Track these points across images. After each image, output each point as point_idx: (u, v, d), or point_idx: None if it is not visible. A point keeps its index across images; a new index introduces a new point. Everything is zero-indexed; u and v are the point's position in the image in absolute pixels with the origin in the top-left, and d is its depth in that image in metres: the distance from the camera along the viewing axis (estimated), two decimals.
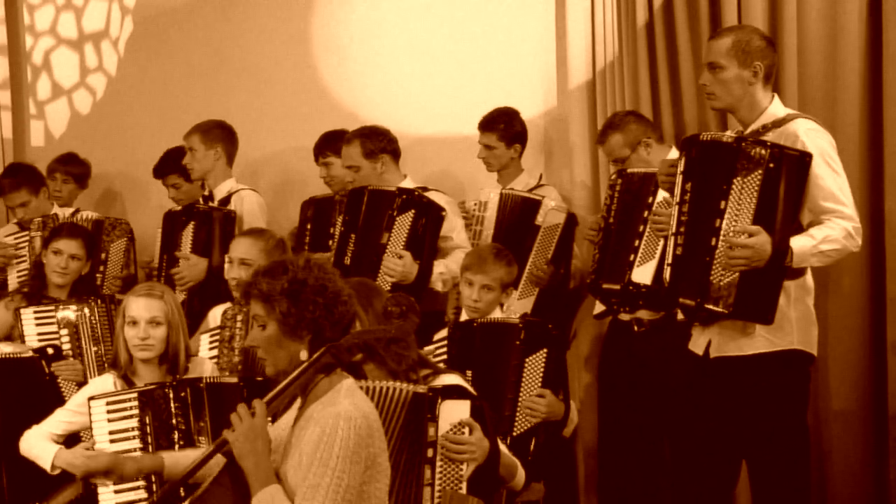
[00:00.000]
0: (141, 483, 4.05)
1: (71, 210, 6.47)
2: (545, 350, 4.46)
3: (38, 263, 5.54)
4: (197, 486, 3.11)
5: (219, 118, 6.25)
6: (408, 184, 5.63)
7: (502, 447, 3.85)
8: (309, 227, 5.95)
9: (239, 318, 4.77)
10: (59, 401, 4.68)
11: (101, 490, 4.08)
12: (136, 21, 7.43)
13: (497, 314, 4.82)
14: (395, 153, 5.66)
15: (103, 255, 5.99)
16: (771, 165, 3.94)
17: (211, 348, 4.86)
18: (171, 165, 6.39)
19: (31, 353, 4.74)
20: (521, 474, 3.94)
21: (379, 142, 5.60)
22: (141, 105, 7.36)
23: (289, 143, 6.67)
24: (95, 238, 5.91)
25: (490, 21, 6.52)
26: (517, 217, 5.61)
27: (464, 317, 4.87)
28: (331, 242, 5.66)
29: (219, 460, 3.10)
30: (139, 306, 4.26)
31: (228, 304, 4.96)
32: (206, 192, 6.17)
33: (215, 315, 4.99)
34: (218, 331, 4.87)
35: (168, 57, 7.29)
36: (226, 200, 6.03)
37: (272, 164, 6.89)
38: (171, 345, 4.29)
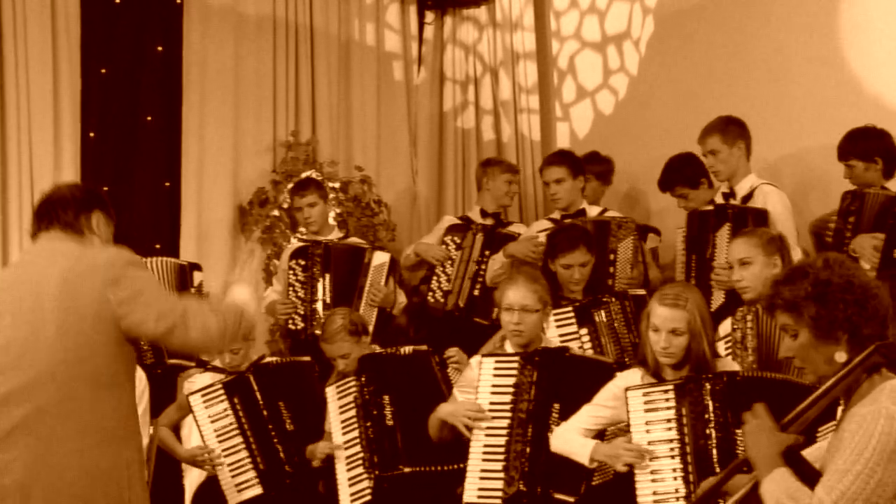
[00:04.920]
0: (679, 473, 4.11)
1: (598, 209, 6.57)
2: None
3: (546, 271, 5.64)
4: None
5: (738, 115, 6.08)
6: None
7: None
8: (851, 220, 5.68)
9: (748, 318, 4.72)
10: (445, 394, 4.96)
11: (638, 478, 4.19)
12: (657, 20, 7.51)
13: None
14: None
15: (612, 256, 6.01)
16: None
17: (726, 353, 4.80)
18: (674, 177, 6.32)
19: (423, 348, 5.00)
20: None
21: None
22: (662, 104, 7.41)
23: (811, 140, 6.39)
24: (603, 237, 6.00)
25: None
26: None
27: None
28: None
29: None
30: (662, 316, 4.26)
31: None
32: (727, 189, 6.05)
33: (726, 325, 4.93)
34: (730, 335, 4.82)
35: (688, 54, 7.28)
36: (748, 197, 5.88)
37: (793, 164, 6.59)
38: (693, 351, 4.26)
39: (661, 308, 4.27)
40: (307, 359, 5.65)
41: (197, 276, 6.17)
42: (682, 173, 6.27)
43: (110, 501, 3.53)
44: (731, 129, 5.97)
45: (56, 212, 3.69)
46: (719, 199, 6.12)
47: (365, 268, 6.37)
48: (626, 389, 4.29)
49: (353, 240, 6.81)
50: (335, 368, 5.51)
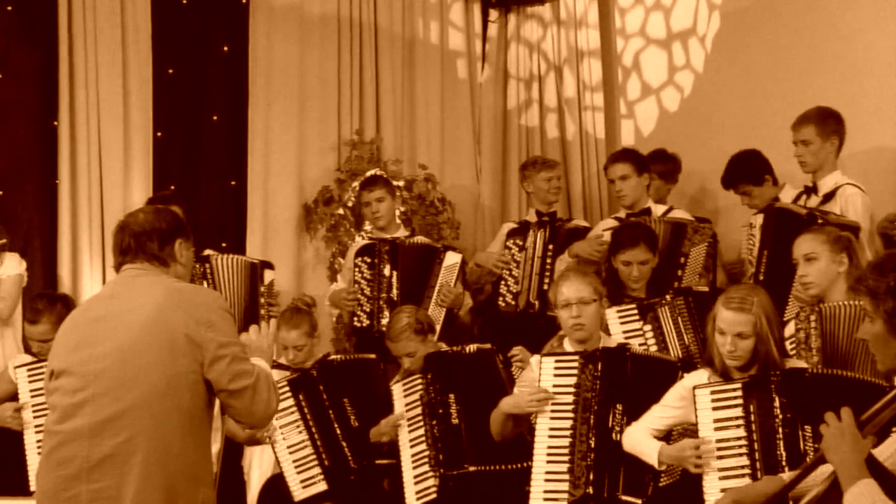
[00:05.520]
0: (747, 471, 4.07)
1: (664, 208, 6.49)
2: None
3: (610, 268, 5.69)
4: None
5: None
6: None
7: None
8: None
9: (812, 318, 4.64)
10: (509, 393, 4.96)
11: (706, 476, 4.16)
12: (723, 16, 7.41)
13: None
14: None
15: (682, 259, 5.96)
16: None
17: (791, 353, 4.75)
18: (738, 174, 6.21)
19: (487, 346, 5.11)
20: None
21: None
22: (727, 101, 7.31)
23: (882, 137, 6.24)
24: (678, 240, 5.97)
25: None
26: None
27: None
28: None
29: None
30: (728, 320, 4.22)
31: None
32: (810, 184, 5.91)
33: (790, 326, 4.87)
34: (794, 336, 4.73)
35: (756, 50, 7.16)
36: (830, 195, 5.73)
37: (866, 164, 6.34)
38: (760, 353, 4.22)
39: (726, 312, 4.23)
40: (372, 356, 5.66)
41: (268, 275, 6.16)
42: (746, 170, 6.18)
43: None
44: (829, 122, 5.83)
45: (141, 244, 3.68)
46: (789, 193, 6.03)
47: (438, 267, 6.32)
48: (695, 388, 4.26)
49: (422, 238, 6.76)
50: (401, 366, 5.52)
